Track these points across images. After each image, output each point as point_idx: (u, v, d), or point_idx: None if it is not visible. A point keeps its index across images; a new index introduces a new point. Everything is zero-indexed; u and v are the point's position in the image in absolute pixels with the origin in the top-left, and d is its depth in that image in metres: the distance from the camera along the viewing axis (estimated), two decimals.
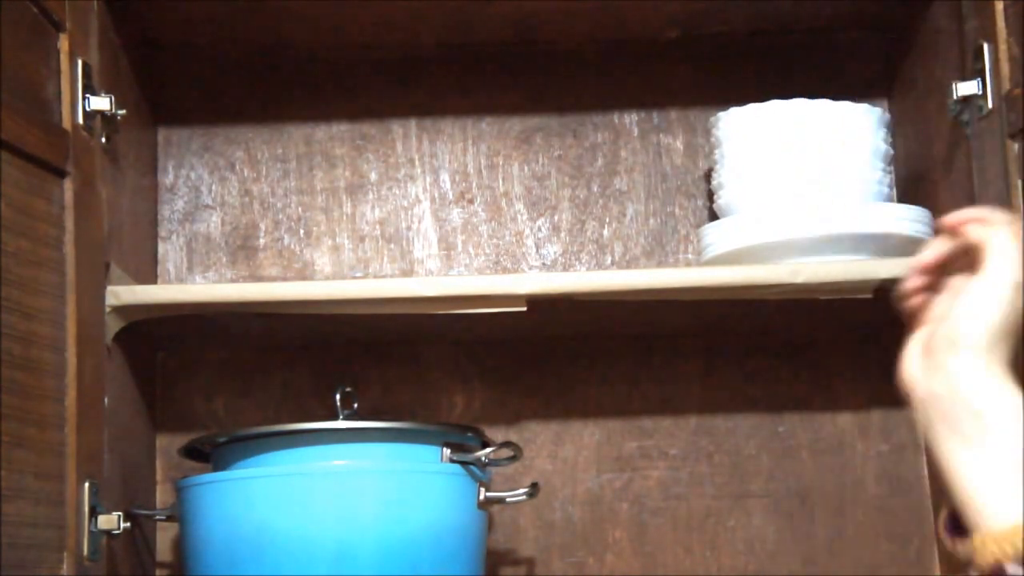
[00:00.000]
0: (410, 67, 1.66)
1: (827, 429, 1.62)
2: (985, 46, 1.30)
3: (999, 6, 1.27)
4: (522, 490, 1.41)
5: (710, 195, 1.57)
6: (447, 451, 1.37)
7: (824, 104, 1.46)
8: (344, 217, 1.64)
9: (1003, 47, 1.27)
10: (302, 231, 1.64)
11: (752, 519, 1.59)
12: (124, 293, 1.36)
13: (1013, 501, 0.89)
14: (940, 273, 1.02)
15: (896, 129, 1.57)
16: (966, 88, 1.33)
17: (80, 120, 1.28)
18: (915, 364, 1.00)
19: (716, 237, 1.46)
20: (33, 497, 1.14)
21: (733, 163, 1.49)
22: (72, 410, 1.22)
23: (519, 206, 1.65)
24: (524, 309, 1.39)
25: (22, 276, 1.15)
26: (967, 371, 0.95)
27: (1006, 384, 0.94)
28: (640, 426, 1.62)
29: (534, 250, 1.64)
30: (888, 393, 1.62)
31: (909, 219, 1.43)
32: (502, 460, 1.40)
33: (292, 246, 1.64)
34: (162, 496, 1.56)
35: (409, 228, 1.64)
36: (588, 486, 1.61)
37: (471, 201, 1.65)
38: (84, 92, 1.28)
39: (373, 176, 1.65)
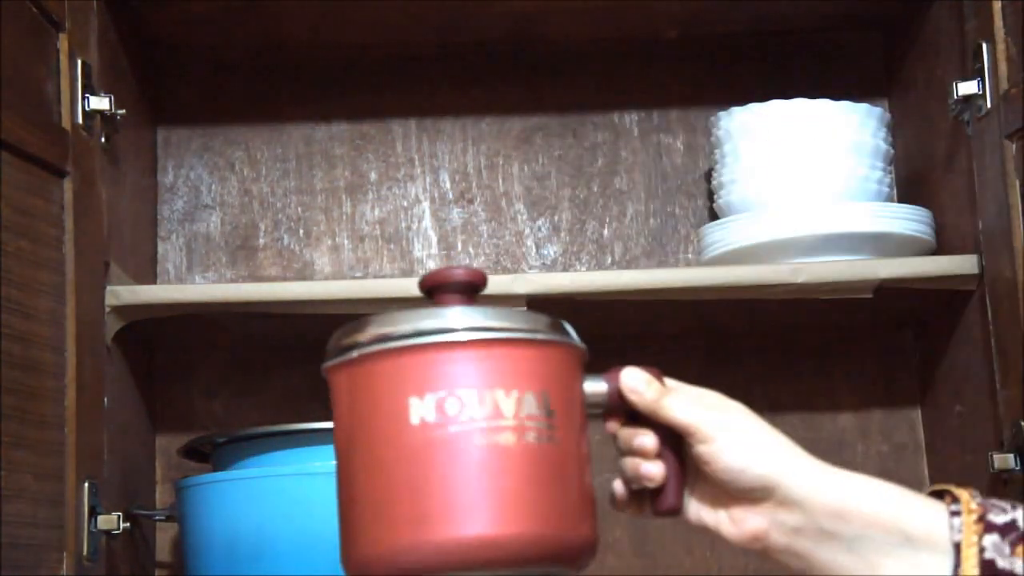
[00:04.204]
0: (410, 67, 1.66)
1: (827, 429, 1.62)
2: (984, 46, 1.30)
3: (998, 6, 1.27)
4: None
5: (710, 195, 1.57)
6: None
7: (824, 104, 1.46)
8: (344, 217, 1.64)
9: (1001, 47, 1.27)
10: (302, 231, 1.64)
11: None
12: (124, 293, 1.36)
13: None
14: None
15: (896, 129, 1.57)
16: (966, 88, 1.33)
17: (80, 120, 1.28)
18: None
19: (716, 237, 1.46)
20: (33, 497, 1.14)
21: (733, 163, 1.49)
22: (72, 410, 1.22)
23: (519, 206, 1.65)
24: (524, 309, 1.39)
25: (22, 276, 1.15)
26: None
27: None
28: None
29: (534, 250, 1.64)
30: (888, 393, 1.63)
31: (909, 219, 1.43)
32: None
33: (292, 246, 1.64)
34: (162, 496, 1.56)
35: (409, 228, 1.64)
36: None
37: (471, 201, 1.65)
38: (84, 92, 1.28)
39: (373, 176, 1.65)
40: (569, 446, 0.85)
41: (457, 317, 0.84)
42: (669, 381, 0.94)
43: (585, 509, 0.86)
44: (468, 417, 0.81)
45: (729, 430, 0.91)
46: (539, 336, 0.85)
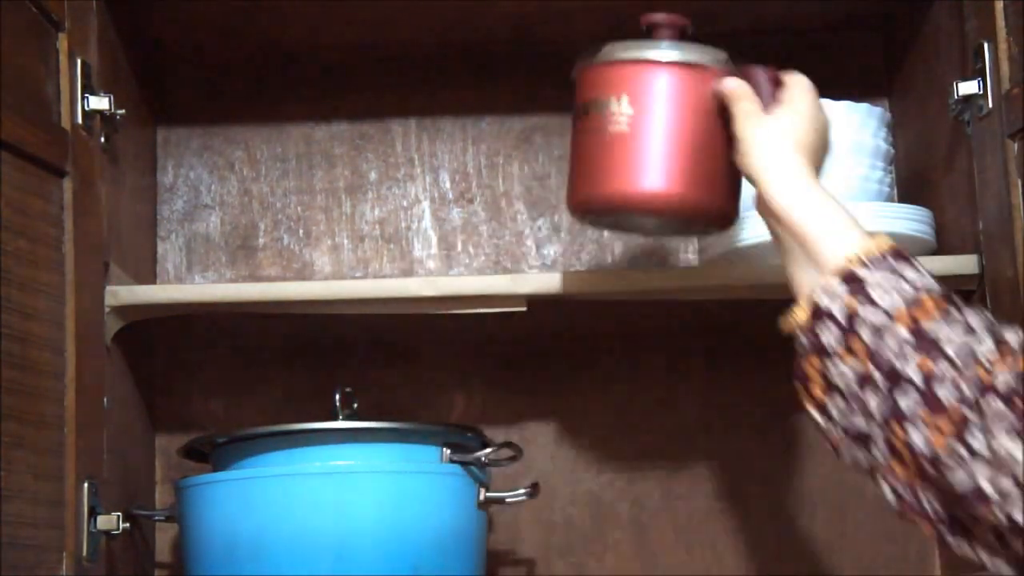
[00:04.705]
0: (410, 67, 1.66)
1: None
2: (985, 45, 1.29)
3: (999, 5, 1.27)
4: (522, 490, 1.41)
5: None
6: (447, 451, 1.37)
7: (824, 104, 1.46)
8: (344, 217, 1.64)
9: (1003, 46, 1.27)
10: (302, 231, 1.64)
11: (752, 519, 1.59)
12: (124, 293, 1.36)
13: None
14: None
15: (896, 129, 1.57)
16: (967, 87, 1.32)
17: (79, 120, 1.28)
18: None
19: (716, 237, 1.45)
20: (32, 497, 1.14)
21: None
22: (72, 410, 1.22)
23: (519, 206, 1.65)
24: (524, 309, 1.39)
25: (22, 276, 1.15)
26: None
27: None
28: (640, 426, 1.62)
29: (534, 250, 1.64)
30: None
31: (909, 219, 1.43)
32: (502, 460, 1.40)
33: (292, 246, 1.64)
34: (162, 496, 1.56)
35: (409, 228, 1.64)
36: (588, 486, 1.61)
37: (471, 201, 1.65)
38: (83, 92, 1.28)
39: (373, 176, 1.65)
40: (648, 132, 1.15)
41: (617, 46, 1.21)
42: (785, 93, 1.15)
43: (706, 179, 1.17)
44: (589, 113, 1.18)
45: (757, 119, 1.12)
46: (631, 55, 1.21)
